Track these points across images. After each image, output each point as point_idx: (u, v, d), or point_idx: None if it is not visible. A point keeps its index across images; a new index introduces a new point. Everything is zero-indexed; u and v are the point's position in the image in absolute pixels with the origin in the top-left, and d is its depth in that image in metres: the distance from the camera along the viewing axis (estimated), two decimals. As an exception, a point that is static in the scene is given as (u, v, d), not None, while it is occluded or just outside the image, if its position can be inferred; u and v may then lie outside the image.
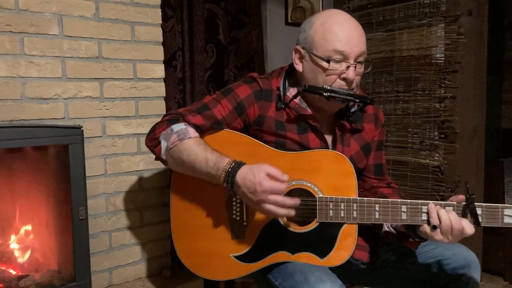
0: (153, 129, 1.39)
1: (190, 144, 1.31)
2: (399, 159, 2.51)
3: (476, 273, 1.37)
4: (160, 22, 1.94)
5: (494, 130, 3.38)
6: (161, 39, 1.94)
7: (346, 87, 1.33)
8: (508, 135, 3.52)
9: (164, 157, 1.36)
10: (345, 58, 1.31)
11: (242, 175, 1.24)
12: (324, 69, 1.32)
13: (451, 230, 1.20)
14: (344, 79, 1.33)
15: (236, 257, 1.37)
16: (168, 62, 2.16)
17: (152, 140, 1.38)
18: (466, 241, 1.28)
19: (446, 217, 1.21)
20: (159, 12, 1.93)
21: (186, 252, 1.42)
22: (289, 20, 2.84)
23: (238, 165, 1.26)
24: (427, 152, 2.41)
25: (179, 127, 1.34)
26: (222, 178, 1.27)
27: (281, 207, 1.22)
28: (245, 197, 1.25)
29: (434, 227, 1.22)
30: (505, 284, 2.63)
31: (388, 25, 2.55)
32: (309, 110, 1.41)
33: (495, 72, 3.23)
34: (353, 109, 1.45)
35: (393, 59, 2.51)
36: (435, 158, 2.38)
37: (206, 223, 1.40)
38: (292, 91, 1.41)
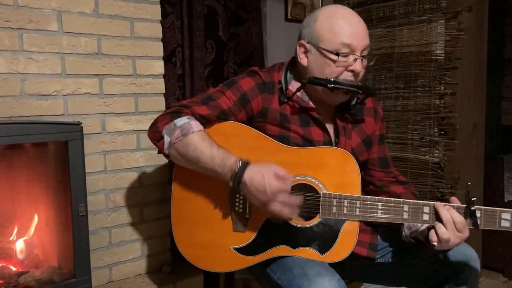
0: (155, 122, 1.38)
1: (195, 139, 1.30)
2: (399, 155, 2.50)
3: (476, 269, 1.37)
4: (160, 18, 1.93)
5: (494, 126, 3.37)
6: (160, 35, 1.94)
7: (351, 79, 1.35)
8: (508, 131, 3.52)
9: (167, 151, 1.36)
10: (352, 51, 1.33)
11: (250, 175, 1.25)
12: (333, 62, 1.34)
13: (454, 223, 1.22)
14: (352, 71, 1.35)
15: (236, 249, 1.37)
16: (167, 59, 2.16)
17: (155, 133, 1.37)
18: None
19: (447, 214, 1.23)
20: (158, 8, 1.92)
21: (186, 243, 1.41)
22: (289, 16, 2.83)
23: (245, 164, 1.26)
24: (427, 148, 2.41)
25: (182, 121, 1.33)
26: (228, 176, 1.27)
27: (287, 206, 1.24)
28: (251, 196, 1.26)
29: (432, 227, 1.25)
30: (505, 280, 2.64)
31: (388, 21, 2.55)
32: (311, 103, 1.41)
33: (495, 68, 3.22)
34: (353, 102, 1.46)
35: (393, 55, 2.51)
36: (435, 154, 2.38)
37: (207, 215, 1.39)
38: (294, 85, 1.42)
